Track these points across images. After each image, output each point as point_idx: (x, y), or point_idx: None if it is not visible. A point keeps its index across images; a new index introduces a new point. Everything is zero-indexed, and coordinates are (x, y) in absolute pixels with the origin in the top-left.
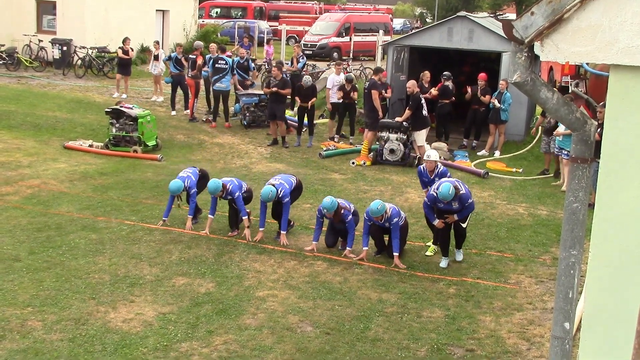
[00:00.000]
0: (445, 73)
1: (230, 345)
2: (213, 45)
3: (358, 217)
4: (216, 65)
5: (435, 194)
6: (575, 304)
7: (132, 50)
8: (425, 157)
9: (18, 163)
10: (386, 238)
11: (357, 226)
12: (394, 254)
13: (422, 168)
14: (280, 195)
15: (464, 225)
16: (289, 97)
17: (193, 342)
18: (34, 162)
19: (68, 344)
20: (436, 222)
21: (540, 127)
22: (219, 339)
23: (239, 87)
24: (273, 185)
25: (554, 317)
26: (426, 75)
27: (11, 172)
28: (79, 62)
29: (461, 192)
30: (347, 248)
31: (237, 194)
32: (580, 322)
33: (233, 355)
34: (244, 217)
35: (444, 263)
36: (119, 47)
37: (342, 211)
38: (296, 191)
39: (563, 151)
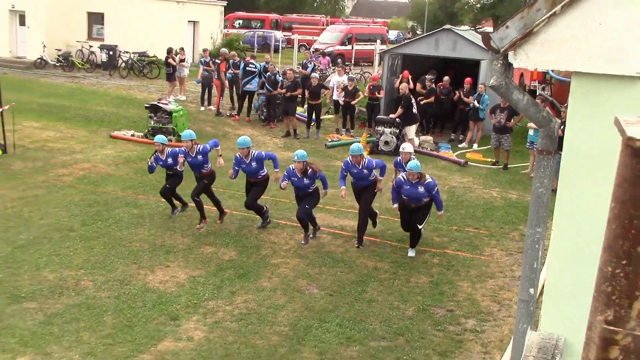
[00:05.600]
0: (426, 76)
1: (249, 303)
2: (234, 53)
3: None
4: (247, 69)
5: (402, 178)
6: (539, 273)
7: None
8: (400, 150)
9: (72, 149)
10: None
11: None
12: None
13: (398, 159)
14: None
15: (420, 227)
16: (300, 96)
17: (218, 300)
18: (85, 148)
19: (114, 301)
20: (395, 205)
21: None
22: (240, 298)
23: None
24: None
25: (521, 283)
26: (405, 73)
27: (66, 156)
28: (123, 64)
29: (427, 180)
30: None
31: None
32: (543, 287)
33: (251, 312)
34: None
35: (411, 252)
36: (175, 55)
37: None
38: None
39: (534, 144)
